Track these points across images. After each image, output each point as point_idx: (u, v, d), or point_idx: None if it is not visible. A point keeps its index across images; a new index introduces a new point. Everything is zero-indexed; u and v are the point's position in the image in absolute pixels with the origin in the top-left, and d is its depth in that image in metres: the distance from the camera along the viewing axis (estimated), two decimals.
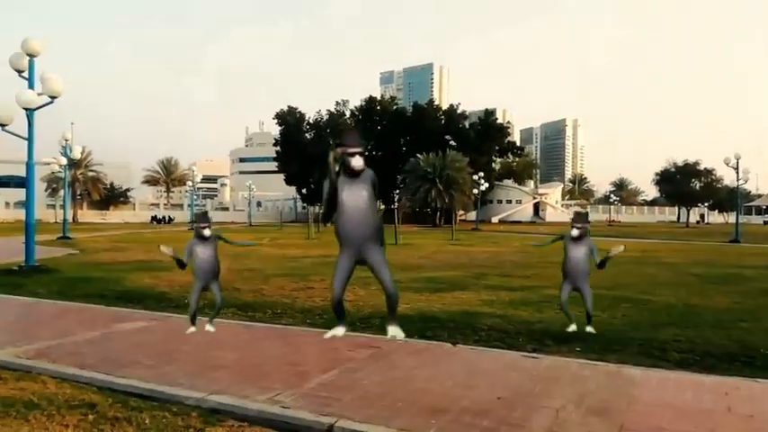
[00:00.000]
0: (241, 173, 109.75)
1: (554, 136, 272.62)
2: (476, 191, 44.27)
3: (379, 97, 67.16)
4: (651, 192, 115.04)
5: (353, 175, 4.86)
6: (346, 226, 4.80)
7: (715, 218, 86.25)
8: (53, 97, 11.06)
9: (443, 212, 52.52)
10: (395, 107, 63.47)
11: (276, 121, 63.98)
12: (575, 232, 5.92)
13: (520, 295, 8.63)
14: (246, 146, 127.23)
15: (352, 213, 4.77)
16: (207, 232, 5.62)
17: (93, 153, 60.98)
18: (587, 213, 9.65)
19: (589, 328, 6.00)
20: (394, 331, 5.02)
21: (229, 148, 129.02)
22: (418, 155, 50.84)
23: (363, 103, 62.53)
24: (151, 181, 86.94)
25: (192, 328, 5.75)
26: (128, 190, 71.71)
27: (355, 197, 4.81)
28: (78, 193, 59.11)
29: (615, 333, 6.10)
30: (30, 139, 11.27)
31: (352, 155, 4.86)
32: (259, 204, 79.52)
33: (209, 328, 5.76)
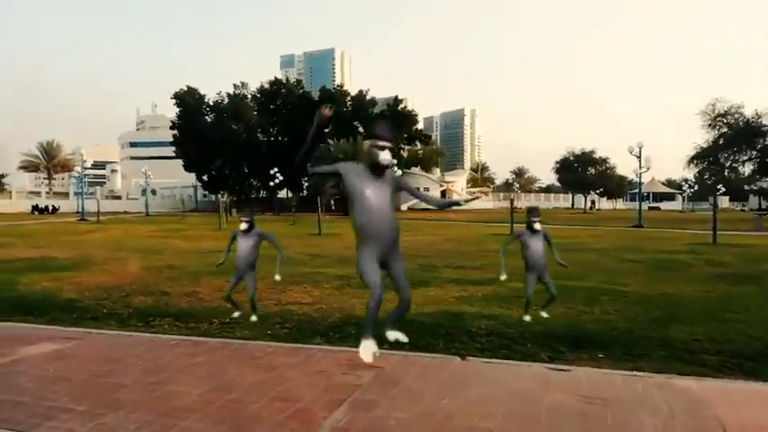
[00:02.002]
0: (132, 158, 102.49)
1: (453, 125, 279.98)
2: None
3: (285, 80, 64.69)
4: (546, 179, 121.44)
5: (377, 171, 4.32)
6: (378, 229, 4.33)
7: (603, 204, 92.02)
8: None
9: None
10: (301, 91, 61.44)
11: (174, 101, 59.72)
12: (537, 226, 6.25)
13: (490, 290, 7.91)
14: (138, 129, 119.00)
15: (379, 215, 4.31)
16: (243, 226, 6.06)
17: None
18: (538, 208, 10.16)
19: (543, 313, 6.13)
20: (396, 335, 4.59)
21: (117, 132, 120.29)
22: (329, 140, 49.56)
23: (268, 86, 59.95)
24: (30, 167, 78.83)
25: (237, 313, 6.24)
26: (2, 176, 64.40)
27: (380, 198, 4.33)
28: None
29: (624, 333, 5.49)
30: None
31: (382, 148, 4.29)
32: (154, 192, 74.50)
33: (253, 318, 6.12)
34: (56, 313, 6.48)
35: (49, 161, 77.46)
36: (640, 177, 30.24)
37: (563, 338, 5.27)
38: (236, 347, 4.98)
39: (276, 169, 46.62)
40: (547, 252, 6.12)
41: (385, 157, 4.30)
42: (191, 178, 68.00)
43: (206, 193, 67.47)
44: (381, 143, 4.28)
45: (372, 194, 4.31)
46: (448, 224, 31.22)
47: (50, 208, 55.94)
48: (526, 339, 5.29)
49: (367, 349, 4.28)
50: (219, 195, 37.65)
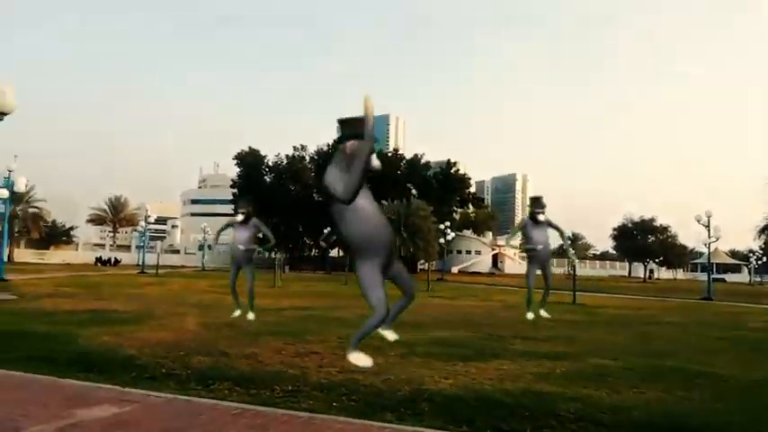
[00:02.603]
0: (192, 215, 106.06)
1: (504, 189, 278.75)
2: (441, 240, 43.28)
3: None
4: (600, 246, 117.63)
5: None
6: (382, 239, 4.14)
7: (662, 273, 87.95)
8: (3, 114, 9.27)
9: (408, 262, 51.25)
10: None
11: (235, 162, 61.96)
12: (541, 217, 6.78)
13: (570, 366, 7.27)
14: (200, 187, 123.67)
15: (380, 222, 4.13)
16: (239, 217, 6.06)
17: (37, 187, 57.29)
18: (541, 198, 10.72)
19: (543, 313, 6.46)
20: (395, 336, 4.81)
21: (179, 190, 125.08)
22: (383, 201, 49.84)
23: (327, 148, 61.47)
24: (97, 220, 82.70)
25: (237, 312, 6.21)
26: (71, 228, 67.45)
27: (375, 206, 4.18)
28: (16, 230, 54.96)
29: (739, 428, 4.78)
30: None
31: (372, 151, 4.03)
32: (210, 248, 76.24)
33: (250, 316, 6.21)
34: (115, 371, 6.27)
35: (115, 215, 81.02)
36: (709, 248, 28.65)
37: (665, 429, 4.63)
38: (303, 421, 4.58)
39: (329, 229, 47.02)
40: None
41: (377, 162, 4.10)
42: None
43: (260, 250, 68.49)
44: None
45: (370, 204, 4.09)
46: (503, 289, 30.26)
47: (113, 260, 57.93)
48: (623, 428, 4.67)
49: (361, 358, 4.27)
50: (273, 253, 37.84)
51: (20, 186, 22.11)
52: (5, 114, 9.27)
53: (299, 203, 59.75)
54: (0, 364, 6.37)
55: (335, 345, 8.42)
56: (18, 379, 5.78)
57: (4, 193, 21.70)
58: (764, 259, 71.31)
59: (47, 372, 6.11)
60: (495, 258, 78.28)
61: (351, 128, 4.13)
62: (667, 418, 4.96)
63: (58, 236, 64.05)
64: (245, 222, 6.07)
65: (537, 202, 11.29)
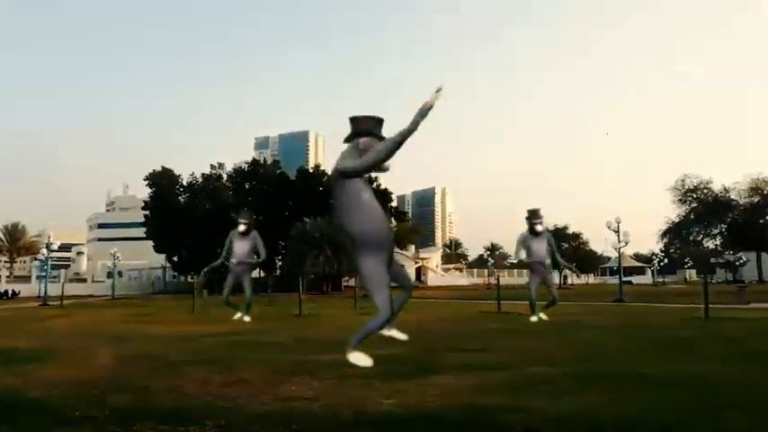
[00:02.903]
0: (100, 239, 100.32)
1: (425, 203, 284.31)
2: None
3: (261, 161, 64.94)
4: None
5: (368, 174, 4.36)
6: (386, 236, 4.21)
7: (575, 279, 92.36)
8: None
9: (333, 279, 50.71)
10: (278, 171, 61.68)
11: (147, 182, 59.15)
12: (539, 227, 8.16)
13: (508, 376, 7.27)
14: (108, 210, 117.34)
15: (382, 218, 4.18)
16: (241, 228, 5.78)
17: None
18: (539, 210, 10.68)
19: (543, 315, 7.11)
20: (401, 335, 5.10)
21: (84, 214, 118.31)
22: (305, 219, 49.28)
23: (245, 166, 60.07)
24: None
25: (237, 314, 5.89)
26: None
27: (377, 202, 4.26)
28: None
29: (679, 425, 4.89)
30: None
31: None
32: (120, 275, 72.12)
33: (246, 318, 5.75)
34: (20, 417, 5.56)
35: (11, 243, 74.99)
36: (620, 252, 30.35)
37: None
38: None
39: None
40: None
41: (389, 163, 4.20)
42: (160, 259, 66.20)
43: (175, 274, 65.71)
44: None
45: (372, 200, 4.18)
46: (432, 302, 30.54)
47: (10, 292, 53.41)
48: None
49: (361, 358, 4.46)
50: (191, 276, 36.34)
51: None
52: None
53: (216, 223, 57.76)
54: None
55: (267, 371, 8.01)
56: None
57: None
58: (666, 261, 76.83)
59: None
60: (419, 271, 79.28)
61: (361, 125, 4.17)
62: (615, 420, 5.00)
63: None
64: (245, 234, 5.92)
65: (534, 214, 11.18)
